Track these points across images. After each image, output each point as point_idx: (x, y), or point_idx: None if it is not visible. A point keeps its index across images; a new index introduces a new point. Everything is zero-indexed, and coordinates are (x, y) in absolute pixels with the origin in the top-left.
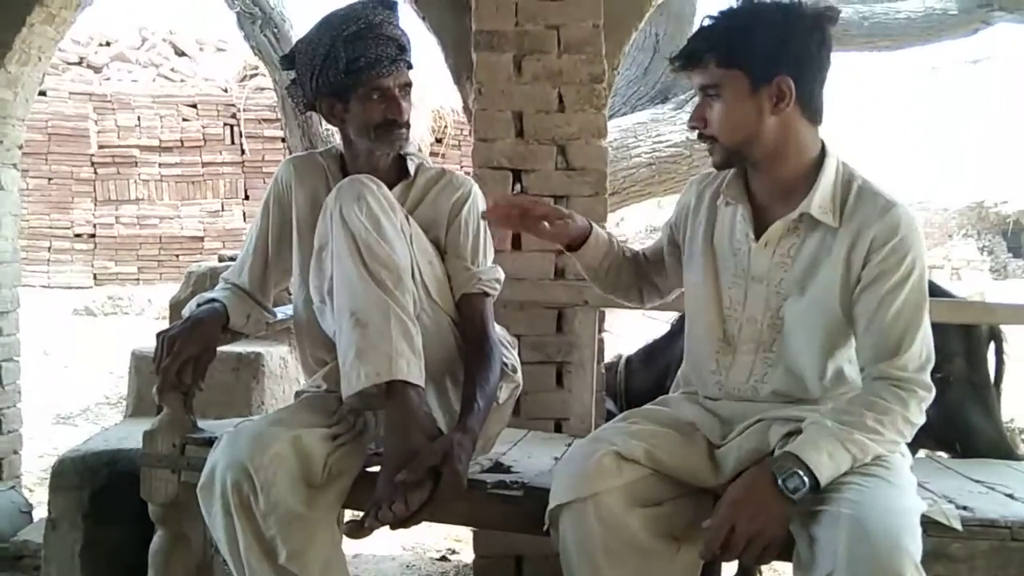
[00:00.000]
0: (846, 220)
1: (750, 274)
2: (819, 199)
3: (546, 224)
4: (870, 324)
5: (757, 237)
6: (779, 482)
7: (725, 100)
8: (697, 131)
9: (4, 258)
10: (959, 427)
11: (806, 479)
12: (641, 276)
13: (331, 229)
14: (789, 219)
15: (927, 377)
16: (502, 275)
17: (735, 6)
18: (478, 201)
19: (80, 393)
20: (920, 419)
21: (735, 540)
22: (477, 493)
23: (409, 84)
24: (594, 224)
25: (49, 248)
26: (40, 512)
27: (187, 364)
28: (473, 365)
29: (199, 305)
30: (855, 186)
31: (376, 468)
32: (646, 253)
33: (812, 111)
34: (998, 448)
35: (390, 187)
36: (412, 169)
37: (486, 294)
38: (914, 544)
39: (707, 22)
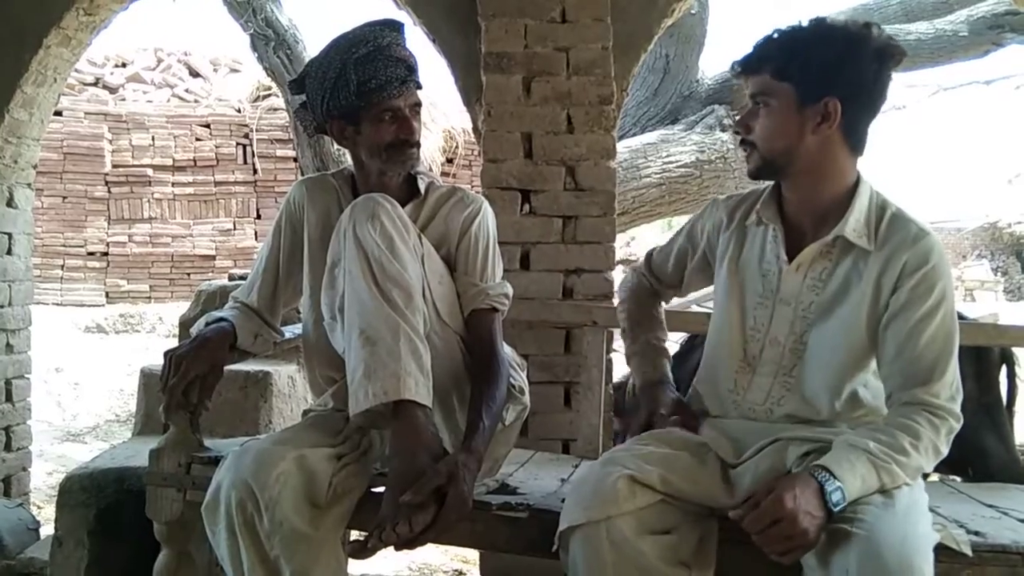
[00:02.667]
0: (879, 245)
1: (778, 296)
2: (854, 223)
3: None
4: (901, 350)
5: (789, 259)
6: (826, 493)
7: (771, 110)
8: (740, 137)
9: (17, 276)
10: (971, 451)
11: (845, 496)
12: (661, 299)
13: (344, 247)
14: (824, 242)
15: (958, 408)
16: (511, 291)
17: (804, 24)
18: (488, 218)
19: (90, 410)
20: (946, 449)
21: (777, 532)
22: (482, 514)
23: (419, 104)
24: (669, 382)
25: (62, 266)
26: (48, 529)
27: (194, 383)
28: (480, 384)
29: (207, 324)
30: (889, 212)
31: (381, 488)
32: (656, 271)
33: (855, 140)
34: (1011, 471)
35: (401, 206)
36: (423, 188)
37: (495, 310)
38: (927, 566)
39: (773, 33)
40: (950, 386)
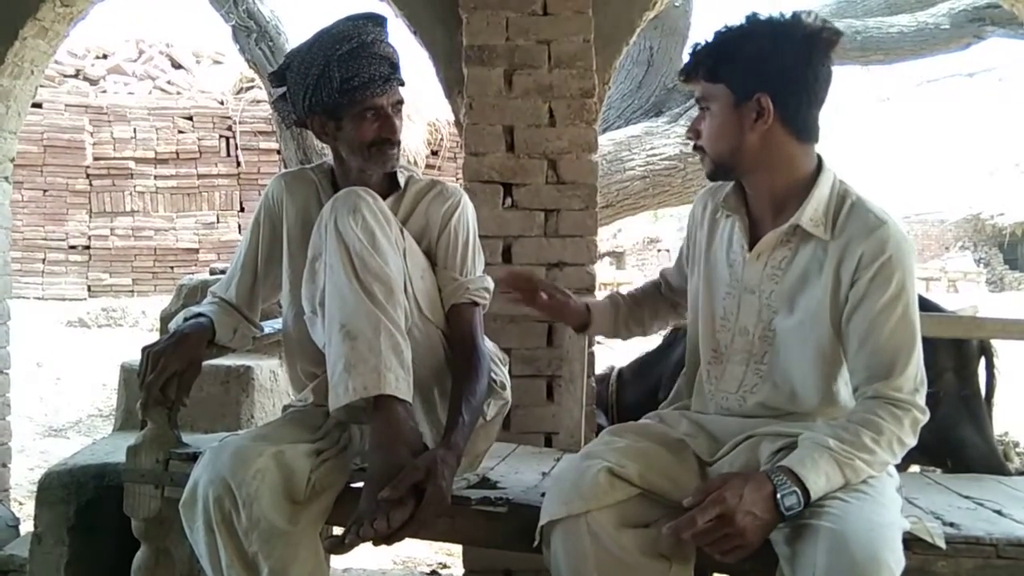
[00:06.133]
0: (837, 234)
1: (743, 285)
2: (811, 212)
3: (544, 296)
4: (863, 344)
5: (751, 248)
6: (778, 497)
7: (712, 113)
8: (692, 143)
9: None
10: (950, 442)
11: (802, 499)
12: (662, 310)
13: (325, 240)
14: (781, 231)
15: (922, 400)
16: (492, 285)
17: (734, 23)
18: (468, 211)
19: (72, 405)
20: (912, 441)
21: (715, 528)
22: (461, 509)
23: (401, 102)
24: (590, 302)
25: (43, 260)
26: (28, 526)
27: (172, 379)
28: (460, 378)
29: (185, 320)
30: (849, 202)
31: (361, 484)
32: (668, 279)
33: (799, 129)
34: (989, 463)
35: (382, 199)
36: (402, 181)
37: (475, 304)
38: (893, 557)
39: (706, 37)
40: (913, 379)
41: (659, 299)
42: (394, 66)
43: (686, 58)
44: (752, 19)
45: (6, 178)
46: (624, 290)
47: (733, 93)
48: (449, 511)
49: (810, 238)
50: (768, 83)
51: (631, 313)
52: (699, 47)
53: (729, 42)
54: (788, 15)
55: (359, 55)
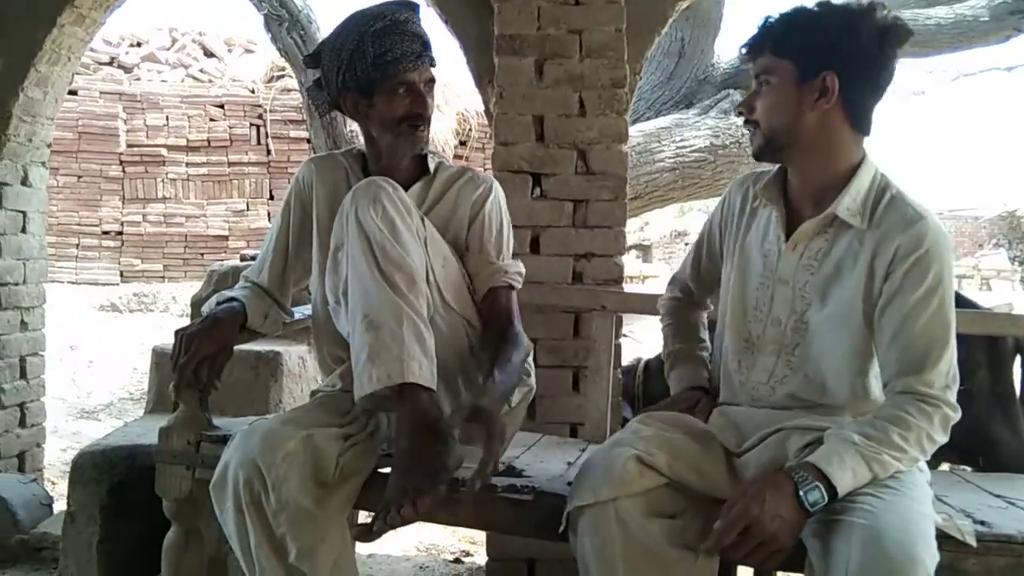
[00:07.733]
0: (874, 226)
1: (777, 275)
2: (848, 201)
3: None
4: (896, 337)
5: (788, 239)
6: (800, 494)
7: (772, 88)
8: (744, 118)
9: (31, 255)
10: (982, 440)
11: (826, 494)
12: (702, 320)
13: (346, 231)
14: (818, 220)
15: (953, 397)
16: (524, 269)
17: (808, 4)
18: (500, 197)
19: (104, 388)
20: (943, 437)
21: (746, 540)
22: (487, 496)
23: (433, 80)
24: (702, 384)
25: (77, 245)
26: (61, 505)
27: (204, 363)
28: (497, 348)
29: (218, 304)
30: (888, 195)
31: (388, 469)
32: (690, 285)
33: (857, 117)
34: (1022, 462)
35: (411, 184)
36: (432, 166)
37: (511, 287)
38: (928, 554)
39: (778, 11)
40: (944, 375)
41: (696, 316)
42: (426, 44)
43: (752, 32)
44: (827, 2)
45: (43, 163)
46: (670, 332)
47: (799, 68)
48: (476, 497)
49: (847, 229)
50: (837, 62)
51: (696, 348)
52: (770, 20)
53: (803, 19)
54: (865, 5)
55: (392, 32)
